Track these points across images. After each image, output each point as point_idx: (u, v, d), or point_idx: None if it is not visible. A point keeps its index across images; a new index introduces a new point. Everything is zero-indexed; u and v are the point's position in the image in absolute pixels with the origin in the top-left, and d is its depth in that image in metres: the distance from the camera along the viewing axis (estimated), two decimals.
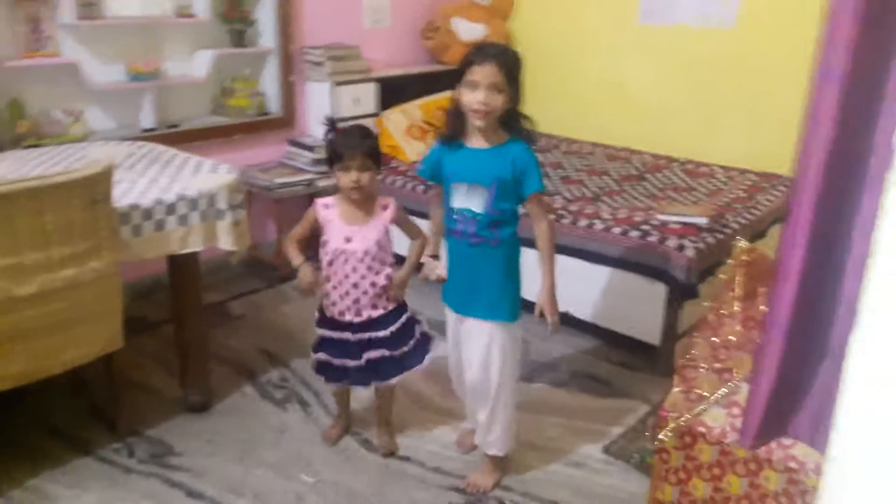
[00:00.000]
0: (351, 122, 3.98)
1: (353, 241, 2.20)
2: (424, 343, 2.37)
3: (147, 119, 3.45)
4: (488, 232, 2.06)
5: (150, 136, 3.34)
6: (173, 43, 3.59)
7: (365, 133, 2.21)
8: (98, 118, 3.39)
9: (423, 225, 3.61)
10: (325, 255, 2.25)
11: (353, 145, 2.14)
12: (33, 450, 2.40)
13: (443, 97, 4.34)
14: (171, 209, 2.29)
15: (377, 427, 2.49)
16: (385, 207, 2.25)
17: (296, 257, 2.25)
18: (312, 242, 2.32)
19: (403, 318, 2.31)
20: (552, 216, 2.14)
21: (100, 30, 3.29)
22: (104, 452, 2.41)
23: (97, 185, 2.09)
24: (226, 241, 2.44)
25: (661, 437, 1.68)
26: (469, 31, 4.51)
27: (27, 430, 2.50)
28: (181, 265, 2.50)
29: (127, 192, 2.31)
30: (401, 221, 2.29)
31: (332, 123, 2.20)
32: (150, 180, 2.45)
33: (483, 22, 4.55)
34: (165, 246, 2.33)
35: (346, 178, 2.15)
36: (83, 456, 2.39)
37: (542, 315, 2.13)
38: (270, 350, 3.08)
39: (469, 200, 2.05)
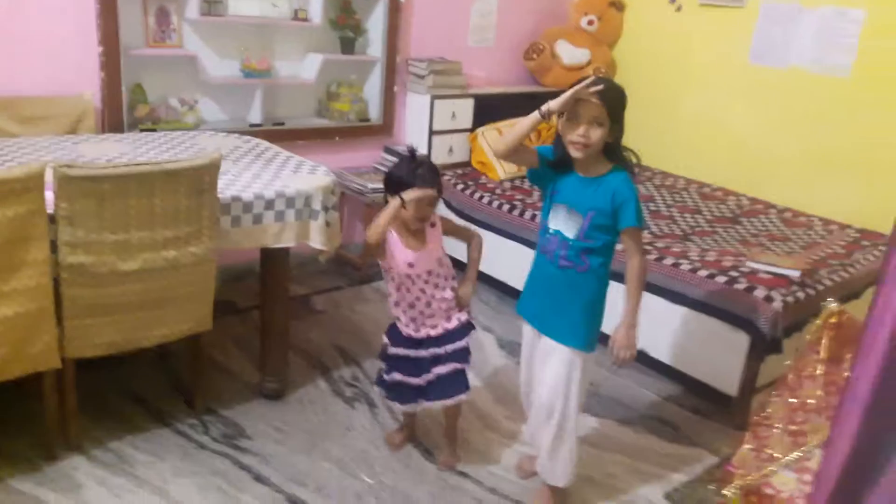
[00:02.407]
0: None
1: (416, 265, 2.25)
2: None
3: (255, 114, 3.62)
4: (578, 258, 2.07)
5: (256, 130, 3.50)
6: (286, 44, 3.75)
7: (438, 170, 2.25)
8: (210, 109, 3.58)
9: (512, 246, 3.63)
10: (391, 280, 2.30)
11: (433, 180, 2.18)
12: (117, 414, 2.55)
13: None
14: (269, 204, 2.40)
15: (443, 442, 2.52)
16: (433, 225, 2.29)
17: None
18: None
19: (471, 333, 2.36)
20: (645, 254, 2.14)
21: (220, 26, 3.48)
22: (181, 426, 2.54)
23: (205, 175, 2.22)
24: (317, 240, 2.53)
25: (725, 492, 1.65)
26: (573, 55, 4.51)
27: (113, 395, 2.66)
28: (272, 257, 2.61)
29: (230, 184, 2.44)
30: (450, 231, 2.36)
31: (412, 154, 2.24)
32: (253, 175, 2.57)
33: (588, 47, 4.54)
34: (261, 239, 2.44)
35: (418, 212, 2.19)
36: (161, 426, 2.52)
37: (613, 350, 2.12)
38: (345, 348, 3.17)
39: (565, 224, 2.07)
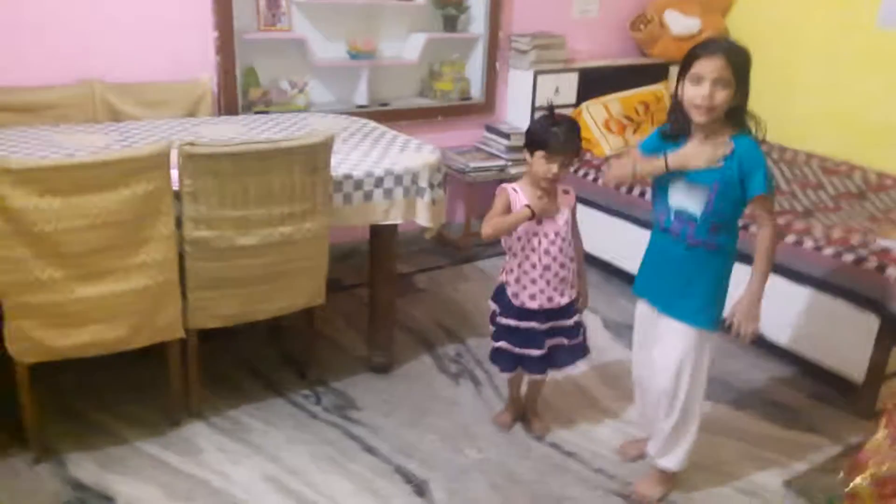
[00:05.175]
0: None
1: (545, 223, 2.20)
2: (584, 339, 2.40)
3: (361, 96, 3.68)
4: (706, 235, 1.98)
5: (362, 111, 3.55)
6: (390, 25, 3.78)
7: (579, 131, 2.18)
8: (318, 91, 3.66)
9: (618, 224, 3.54)
10: (515, 241, 2.24)
11: (569, 140, 2.12)
12: (233, 384, 2.67)
13: (646, 92, 4.22)
14: (378, 182, 2.44)
15: (528, 412, 2.53)
16: (566, 192, 2.26)
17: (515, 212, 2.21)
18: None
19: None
20: (777, 222, 2.07)
21: (327, 9, 3.55)
22: (294, 396, 2.63)
23: (319, 153, 2.27)
24: (423, 217, 2.56)
25: (856, 482, 1.55)
26: (682, 24, 4.33)
27: (229, 366, 2.78)
28: (381, 235, 2.65)
29: (341, 162, 2.48)
30: (573, 212, 2.29)
31: (551, 110, 2.15)
32: (363, 154, 2.61)
33: (698, 16, 4.35)
34: (371, 215, 2.48)
35: (546, 168, 2.13)
36: (275, 396, 2.62)
37: (731, 325, 2.02)
38: (448, 325, 3.20)
39: (688, 200, 1.98)
